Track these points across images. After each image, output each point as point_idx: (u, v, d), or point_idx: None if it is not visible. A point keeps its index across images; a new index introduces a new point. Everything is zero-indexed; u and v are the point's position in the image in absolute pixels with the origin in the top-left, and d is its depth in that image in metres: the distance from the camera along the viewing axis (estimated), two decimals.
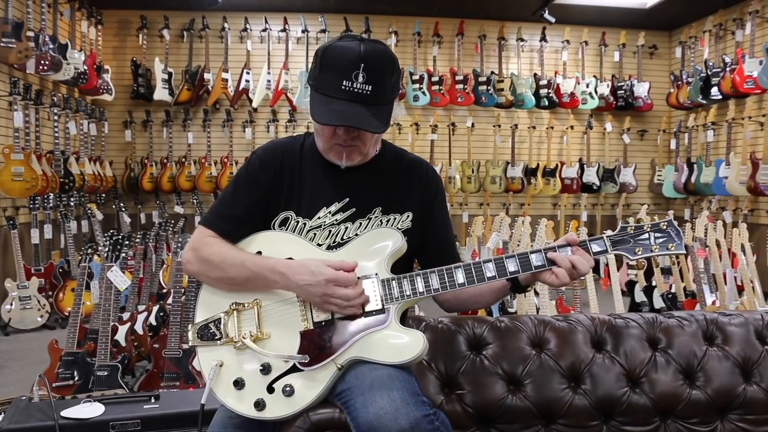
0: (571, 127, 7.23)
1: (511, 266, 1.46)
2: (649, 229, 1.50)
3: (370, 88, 1.38)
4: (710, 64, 6.33)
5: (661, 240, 1.50)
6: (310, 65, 1.54)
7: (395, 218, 1.55)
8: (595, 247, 1.48)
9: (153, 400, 2.25)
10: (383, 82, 1.41)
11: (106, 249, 3.31)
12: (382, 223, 1.53)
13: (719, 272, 4.24)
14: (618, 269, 5.81)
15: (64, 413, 2.11)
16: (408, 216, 1.56)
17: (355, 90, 1.38)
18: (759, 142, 5.86)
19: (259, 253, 1.49)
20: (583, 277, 1.48)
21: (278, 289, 1.44)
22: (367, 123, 1.39)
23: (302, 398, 1.36)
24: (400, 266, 1.50)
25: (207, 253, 1.48)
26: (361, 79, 1.37)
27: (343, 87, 1.38)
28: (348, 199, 1.53)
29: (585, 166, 7.11)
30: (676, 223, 1.54)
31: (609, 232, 1.53)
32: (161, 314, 4.06)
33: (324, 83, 1.41)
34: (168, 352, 3.08)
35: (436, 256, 1.59)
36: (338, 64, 1.39)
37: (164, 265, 4.94)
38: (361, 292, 1.39)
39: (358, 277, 1.43)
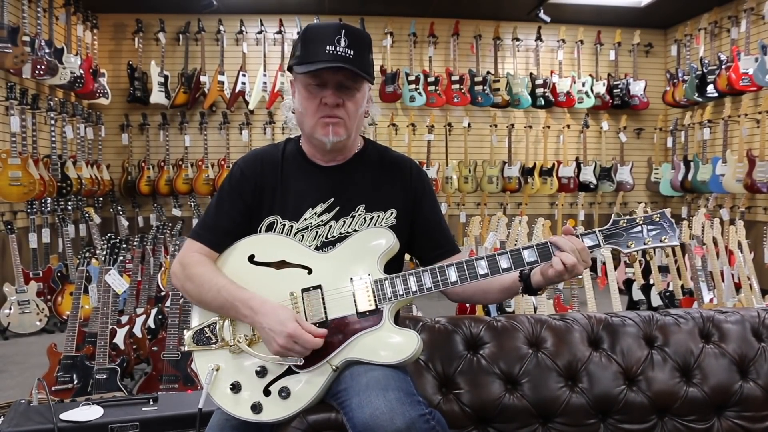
0: (568, 126, 7.24)
1: (504, 263, 1.45)
2: (642, 222, 1.48)
3: (352, 53, 1.45)
4: (706, 61, 6.34)
5: (654, 232, 1.48)
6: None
7: (379, 215, 1.55)
8: (588, 242, 1.46)
9: (151, 403, 2.25)
10: (363, 53, 1.48)
11: (104, 252, 3.31)
12: (365, 220, 1.54)
13: (716, 270, 4.25)
14: (615, 268, 5.83)
15: (63, 416, 2.12)
16: (392, 213, 1.56)
17: (338, 53, 1.43)
18: (755, 140, 5.88)
19: (253, 256, 1.49)
20: (580, 275, 1.46)
21: (247, 322, 1.43)
22: (353, 67, 1.44)
23: (298, 400, 1.37)
24: (392, 263, 1.51)
25: (191, 273, 1.48)
26: (343, 43, 1.44)
27: (326, 51, 1.43)
28: (332, 198, 1.54)
29: (582, 165, 7.12)
30: (669, 215, 1.52)
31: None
32: (159, 317, 4.06)
33: (307, 53, 1.46)
34: (166, 355, 3.09)
35: (433, 252, 1.60)
36: (320, 33, 1.46)
37: (162, 268, 4.94)
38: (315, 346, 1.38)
39: (351, 278, 1.43)
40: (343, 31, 1.45)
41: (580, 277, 3.95)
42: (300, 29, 6.68)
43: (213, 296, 1.44)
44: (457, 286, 1.47)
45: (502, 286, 1.55)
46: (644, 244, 1.47)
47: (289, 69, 1.55)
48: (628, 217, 1.50)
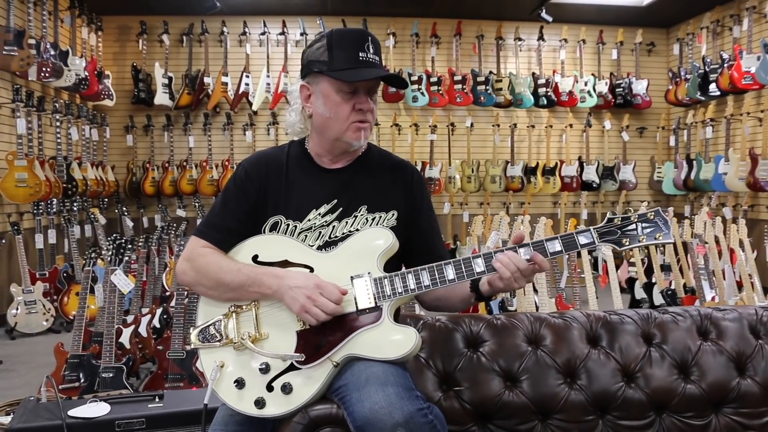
0: (570, 125, 7.26)
1: None
2: (636, 220, 1.50)
3: (377, 59, 1.54)
4: (708, 60, 6.35)
5: (648, 230, 1.50)
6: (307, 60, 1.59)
7: (381, 216, 1.59)
8: (582, 239, 1.48)
9: (157, 400, 2.29)
10: (381, 57, 1.58)
11: (110, 253, 3.34)
12: (368, 221, 1.57)
13: (718, 268, 4.25)
14: (618, 266, 5.84)
15: (71, 413, 2.16)
16: (393, 214, 1.60)
17: (370, 59, 1.52)
18: (758, 138, 5.88)
19: (256, 256, 1.53)
20: (525, 283, 1.50)
21: (269, 294, 1.47)
22: (400, 78, 1.59)
23: (300, 395, 1.39)
24: (391, 262, 1.53)
25: (202, 263, 1.52)
26: (371, 50, 1.53)
27: (360, 58, 1.51)
28: (336, 200, 1.58)
29: (584, 164, 7.13)
30: (663, 212, 1.54)
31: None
32: (165, 317, 4.09)
33: (341, 60, 1.51)
34: (171, 354, 3.12)
35: (422, 258, 1.59)
36: (350, 39, 1.53)
37: (167, 268, 4.98)
38: (339, 311, 1.42)
39: (351, 277, 1.46)
40: (369, 38, 1.54)
41: (583, 275, 3.99)
42: (303, 30, 6.76)
43: (233, 276, 1.47)
44: (425, 295, 1.55)
45: (460, 297, 1.62)
46: (639, 241, 1.49)
47: (306, 74, 1.57)
48: (622, 215, 1.52)
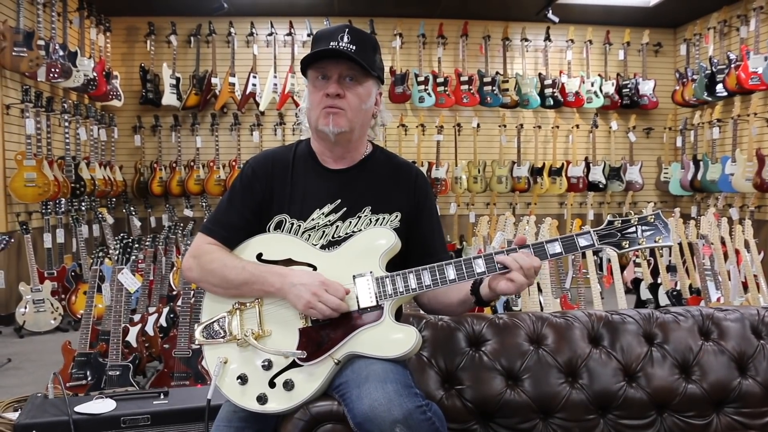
0: (577, 126, 7.24)
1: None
2: (636, 223, 1.51)
3: (354, 48, 1.52)
4: (715, 61, 6.32)
5: (648, 233, 1.51)
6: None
7: (384, 217, 1.60)
8: (582, 242, 1.49)
9: (162, 397, 2.31)
10: (366, 50, 1.55)
11: (117, 252, 3.37)
12: (371, 221, 1.58)
13: (723, 269, 4.24)
14: (625, 267, 5.83)
15: (78, 409, 2.19)
16: (397, 216, 1.61)
17: (341, 47, 1.51)
18: (765, 139, 5.86)
19: (260, 254, 1.55)
20: (531, 283, 1.49)
21: (272, 292, 1.49)
22: (351, 56, 1.51)
23: (302, 392, 1.41)
24: (392, 268, 1.54)
25: (208, 260, 1.54)
26: (346, 39, 1.52)
27: (330, 46, 1.52)
28: (340, 200, 1.59)
29: (591, 164, 7.11)
30: (663, 216, 1.55)
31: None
32: (171, 316, 4.13)
33: (312, 50, 1.54)
34: (178, 352, 3.15)
35: (423, 260, 1.57)
36: (326, 33, 1.56)
37: (174, 268, 5.02)
38: (344, 307, 1.44)
39: (354, 276, 1.48)
40: (347, 29, 1.53)
41: (588, 276, 3.99)
42: (310, 31, 6.79)
43: (237, 273, 1.50)
44: (425, 297, 1.58)
45: (459, 299, 1.61)
46: (638, 244, 1.50)
47: (303, 73, 1.62)
48: (623, 217, 1.53)
